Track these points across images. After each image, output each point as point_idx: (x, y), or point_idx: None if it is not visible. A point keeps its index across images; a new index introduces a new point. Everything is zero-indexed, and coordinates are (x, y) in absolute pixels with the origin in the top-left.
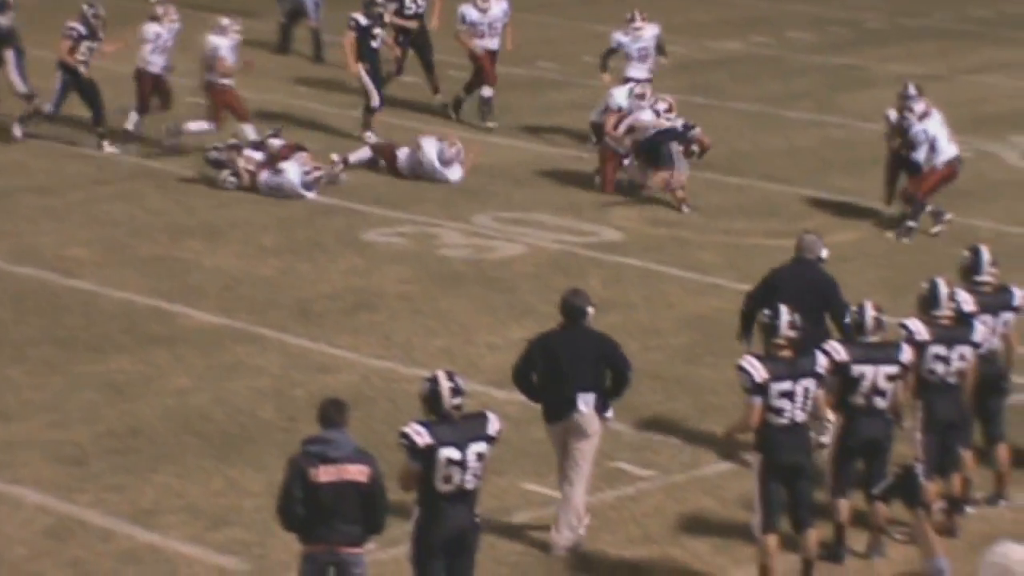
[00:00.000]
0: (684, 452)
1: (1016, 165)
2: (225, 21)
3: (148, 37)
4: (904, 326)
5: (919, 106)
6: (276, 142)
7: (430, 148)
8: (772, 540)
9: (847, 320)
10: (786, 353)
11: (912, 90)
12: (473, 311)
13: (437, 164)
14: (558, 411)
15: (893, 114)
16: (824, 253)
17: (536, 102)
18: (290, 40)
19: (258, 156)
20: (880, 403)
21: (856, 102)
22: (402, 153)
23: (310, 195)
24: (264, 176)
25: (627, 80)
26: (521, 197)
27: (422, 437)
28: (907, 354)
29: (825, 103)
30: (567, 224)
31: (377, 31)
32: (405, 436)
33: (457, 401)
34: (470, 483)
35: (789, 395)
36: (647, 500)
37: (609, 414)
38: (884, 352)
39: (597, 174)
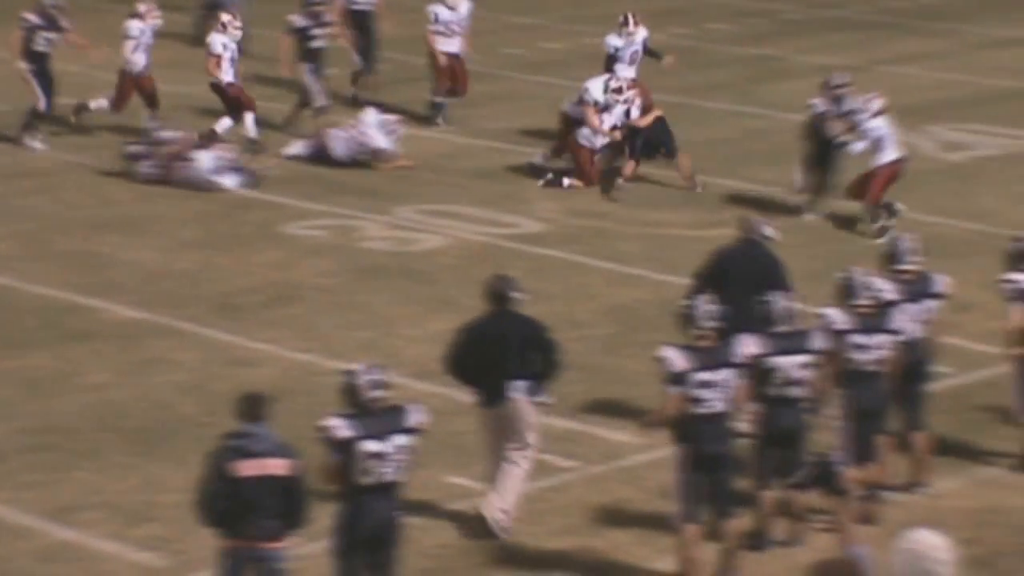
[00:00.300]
0: (606, 443)
1: (933, 155)
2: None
3: (132, 34)
4: (823, 315)
5: (875, 103)
6: (167, 134)
7: (371, 117)
8: (693, 530)
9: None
10: (706, 343)
11: (838, 79)
12: (394, 303)
13: (375, 130)
14: (491, 397)
15: (820, 103)
16: (769, 232)
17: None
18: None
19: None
20: (795, 392)
21: (775, 93)
22: (337, 135)
23: (226, 182)
24: (177, 167)
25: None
26: (443, 189)
27: (341, 430)
28: (820, 341)
29: (744, 94)
30: (489, 216)
31: (317, 31)
32: (324, 429)
33: (377, 394)
34: (392, 476)
35: (709, 385)
36: (569, 491)
37: (545, 398)
38: (795, 341)
39: (551, 172)
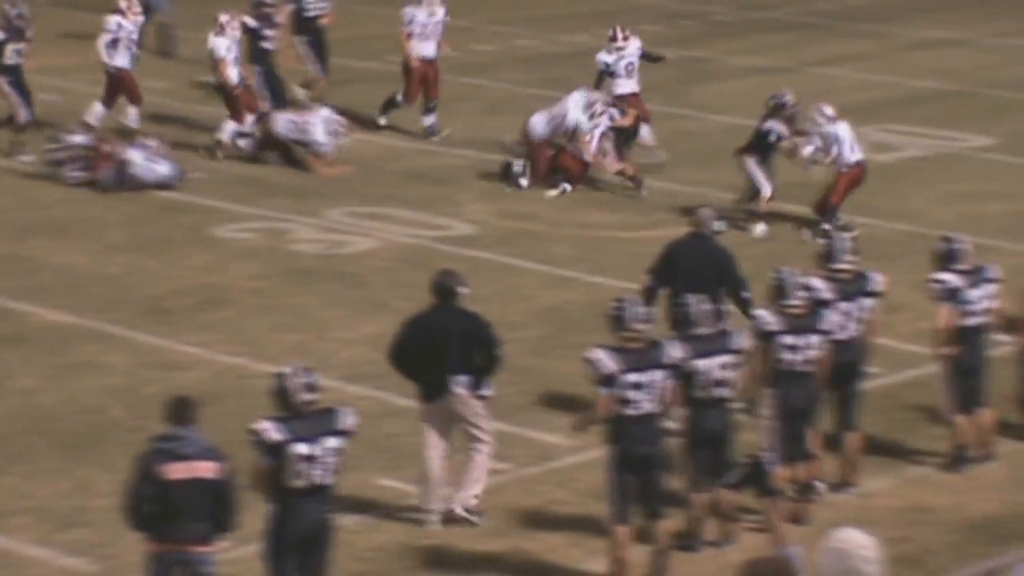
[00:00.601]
0: (538, 445)
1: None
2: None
3: (109, 28)
4: (753, 316)
5: (829, 110)
6: (79, 138)
7: (322, 112)
8: (624, 531)
9: (744, 295)
10: (636, 345)
11: (788, 99)
12: (325, 306)
13: (320, 124)
14: (433, 391)
15: (775, 128)
16: (718, 226)
17: (386, 96)
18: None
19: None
20: (721, 393)
21: (706, 94)
22: (282, 116)
23: (162, 170)
24: (104, 171)
25: (619, 98)
26: (373, 192)
27: (272, 433)
28: (742, 341)
29: (675, 96)
30: (419, 218)
31: (268, 32)
32: (255, 433)
33: (309, 396)
34: (323, 479)
35: (638, 386)
36: (501, 493)
37: (487, 391)
38: (716, 343)
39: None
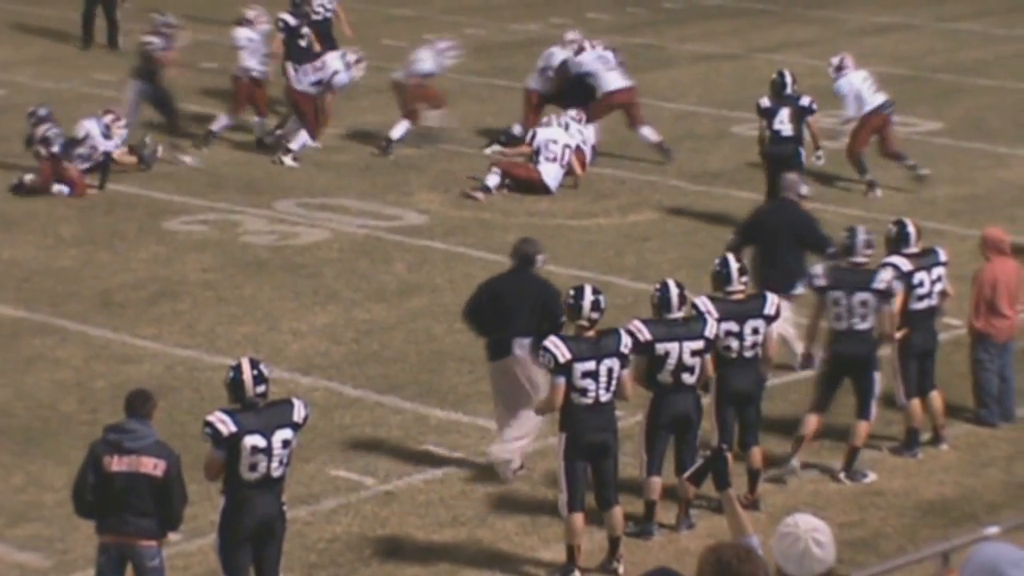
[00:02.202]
0: (492, 433)
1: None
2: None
3: (240, 44)
4: (693, 305)
5: (835, 59)
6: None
7: (333, 55)
8: (578, 519)
9: (830, 250)
10: (590, 334)
11: (788, 78)
12: (277, 298)
13: (336, 60)
14: (498, 351)
15: (765, 101)
16: (805, 191)
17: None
18: (92, 29)
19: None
20: (688, 379)
21: (655, 82)
22: (303, 75)
23: (109, 145)
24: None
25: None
26: (324, 182)
27: (226, 425)
28: (711, 329)
29: None
30: (371, 208)
31: (305, 31)
32: (209, 425)
33: (262, 388)
34: (276, 471)
35: (593, 375)
36: (455, 482)
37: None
38: (687, 328)
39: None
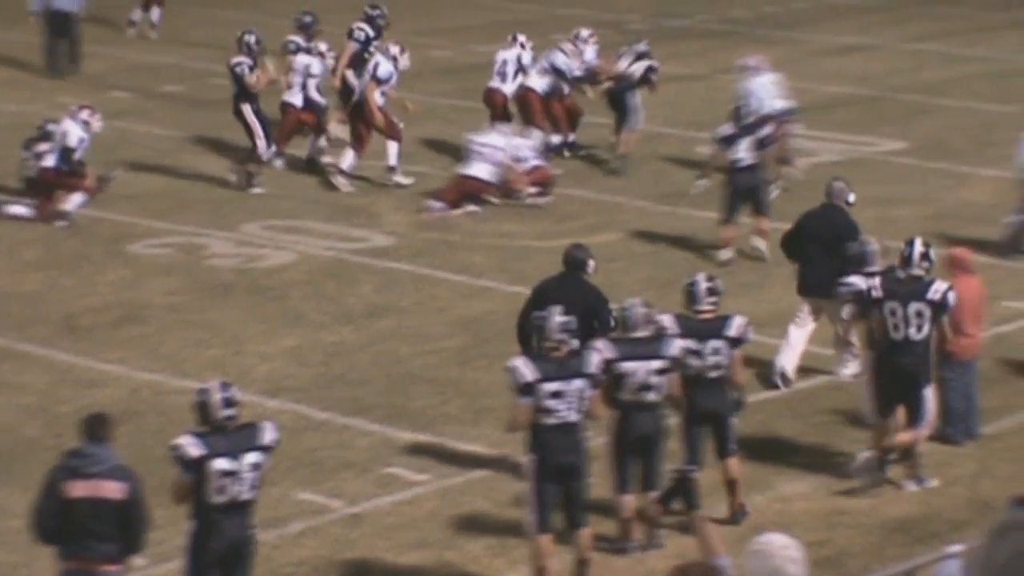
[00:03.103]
0: (459, 455)
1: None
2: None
3: (298, 70)
4: (658, 321)
5: (751, 61)
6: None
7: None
8: (546, 540)
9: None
10: (556, 354)
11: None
12: (243, 321)
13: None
14: None
15: (726, 129)
16: (851, 198)
17: None
18: (57, 56)
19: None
20: (650, 398)
21: None
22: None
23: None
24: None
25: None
26: (290, 205)
27: (194, 448)
28: (674, 349)
29: (591, 104)
30: (337, 230)
31: (375, 45)
32: (176, 448)
33: (231, 412)
34: (245, 494)
35: (560, 395)
36: (423, 504)
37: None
38: (650, 347)
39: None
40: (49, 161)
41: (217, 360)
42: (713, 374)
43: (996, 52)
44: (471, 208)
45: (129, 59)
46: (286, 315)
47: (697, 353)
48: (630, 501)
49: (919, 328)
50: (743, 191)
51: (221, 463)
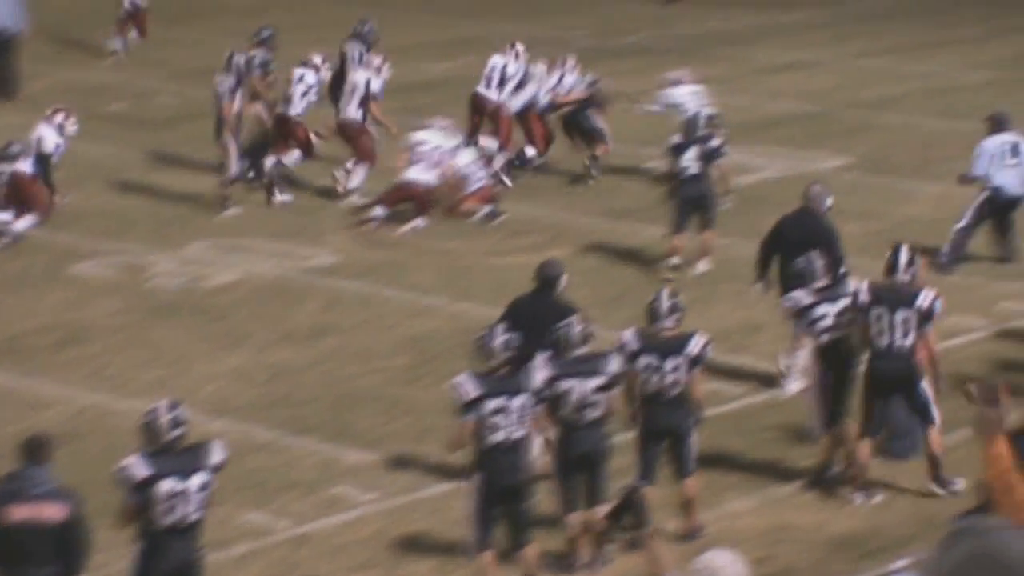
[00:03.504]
0: (404, 474)
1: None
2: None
3: (306, 81)
4: (619, 337)
5: (673, 75)
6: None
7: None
8: (487, 558)
9: (841, 270)
10: (501, 371)
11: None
12: (188, 341)
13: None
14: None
15: (675, 138)
16: (829, 203)
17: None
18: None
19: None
20: (592, 415)
21: None
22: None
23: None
24: None
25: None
26: (235, 223)
27: (141, 469)
28: (615, 366)
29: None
30: (283, 249)
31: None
32: (123, 469)
33: (178, 432)
34: (193, 515)
35: (502, 412)
36: (369, 524)
37: None
38: (590, 365)
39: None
40: (25, 167)
41: (161, 380)
42: (672, 391)
43: (938, 68)
44: (416, 223)
45: (72, 79)
46: (231, 335)
47: (657, 369)
48: (576, 519)
49: (905, 334)
50: (689, 201)
51: (168, 484)
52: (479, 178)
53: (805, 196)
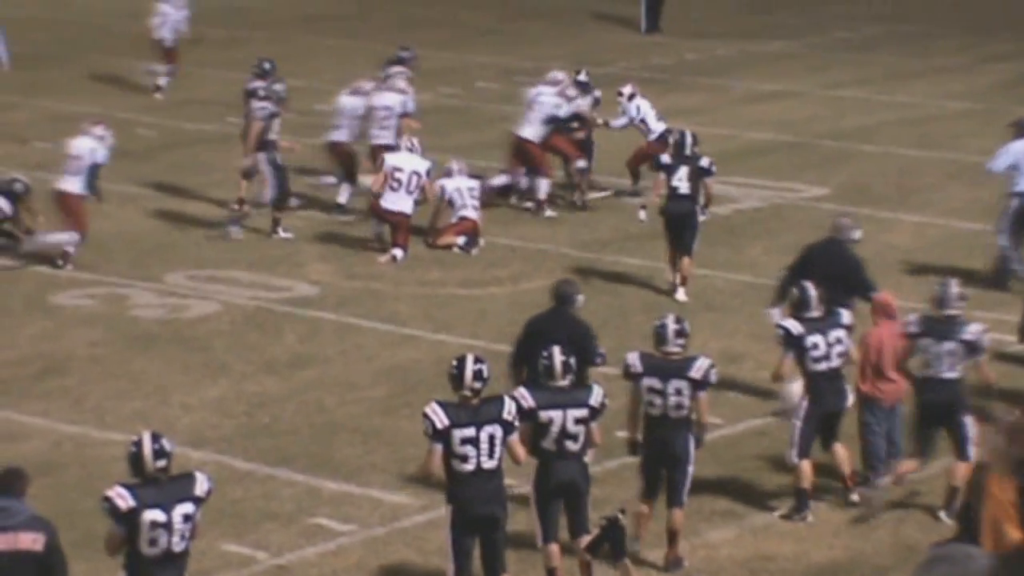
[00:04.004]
0: (384, 505)
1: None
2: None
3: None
4: (624, 360)
5: (627, 89)
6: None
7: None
8: None
9: (872, 293)
10: (473, 400)
11: (688, 138)
12: (167, 372)
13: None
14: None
15: (665, 158)
16: (857, 235)
17: (226, 157)
18: None
19: None
20: (571, 447)
21: None
22: None
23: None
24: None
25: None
26: (213, 254)
27: (124, 500)
28: (596, 398)
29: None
30: (261, 280)
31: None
32: (107, 500)
33: (162, 463)
34: (178, 546)
35: (473, 441)
36: (348, 555)
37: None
38: (572, 396)
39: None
40: (72, 186)
41: (140, 412)
42: (674, 414)
43: (914, 98)
44: (395, 252)
45: (51, 109)
46: (210, 365)
47: (660, 392)
48: (554, 550)
49: (951, 367)
50: (675, 219)
51: (152, 515)
52: (463, 207)
53: (833, 227)
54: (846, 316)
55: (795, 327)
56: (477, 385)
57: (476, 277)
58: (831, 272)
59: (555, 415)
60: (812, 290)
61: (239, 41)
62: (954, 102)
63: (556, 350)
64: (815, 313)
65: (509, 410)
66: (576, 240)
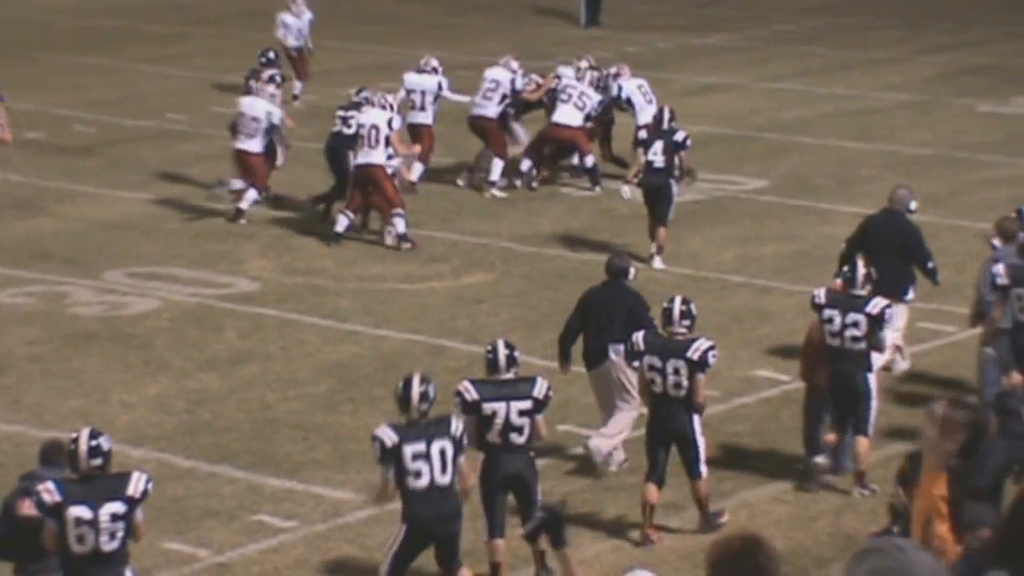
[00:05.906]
0: (326, 501)
1: (640, 202)
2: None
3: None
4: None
5: (613, 68)
6: None
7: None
8: None
9: (930, 265)
10: (421, 417)
11: (667, 114)
12: (107, 369)
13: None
14: (595, 359)
15: (643, 133)
16: (913, 205)
17: (165, 154)
18: None
19: None
20: (516, 439)
21: None
22: None
23: None
24: None
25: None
26: (153, 251)
27: (51, 495)
28: (540, 390)
29: (457, 146)
30: (201, 276)
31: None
32: (36, 494)
33: (97, 461)
34: (106, 544)
35: (424, 457)
36: (290, 551)
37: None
38: (516, 389)
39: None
40: (251, 145)
41: (80, 410)
42: (674, 393)
43: (853, 90)
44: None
45: None
46: (150, 363)
47: (660, 371)
48: (499, 545)
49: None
50: (650, 191)
51: (78, 511)
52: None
53: (891, 198)
54: (880, 303)
55: (820, 295)
56: (424, 407)
57: (417, 272)
58: (889, 243)
59: (499, 407)
60: (862, 269)
61: (178, 37)
62: (892, 94)
63: (500, 344)
64: (860, 292)
65: (457, 427)
66: (517, 234)
